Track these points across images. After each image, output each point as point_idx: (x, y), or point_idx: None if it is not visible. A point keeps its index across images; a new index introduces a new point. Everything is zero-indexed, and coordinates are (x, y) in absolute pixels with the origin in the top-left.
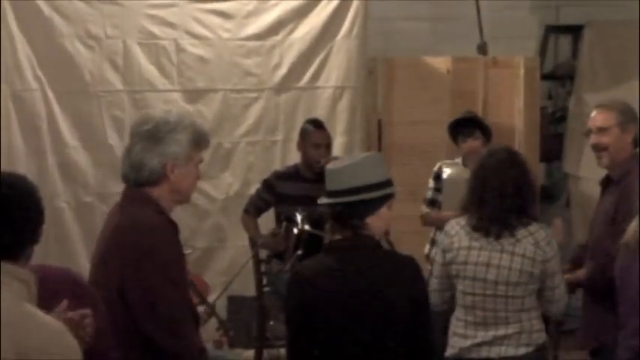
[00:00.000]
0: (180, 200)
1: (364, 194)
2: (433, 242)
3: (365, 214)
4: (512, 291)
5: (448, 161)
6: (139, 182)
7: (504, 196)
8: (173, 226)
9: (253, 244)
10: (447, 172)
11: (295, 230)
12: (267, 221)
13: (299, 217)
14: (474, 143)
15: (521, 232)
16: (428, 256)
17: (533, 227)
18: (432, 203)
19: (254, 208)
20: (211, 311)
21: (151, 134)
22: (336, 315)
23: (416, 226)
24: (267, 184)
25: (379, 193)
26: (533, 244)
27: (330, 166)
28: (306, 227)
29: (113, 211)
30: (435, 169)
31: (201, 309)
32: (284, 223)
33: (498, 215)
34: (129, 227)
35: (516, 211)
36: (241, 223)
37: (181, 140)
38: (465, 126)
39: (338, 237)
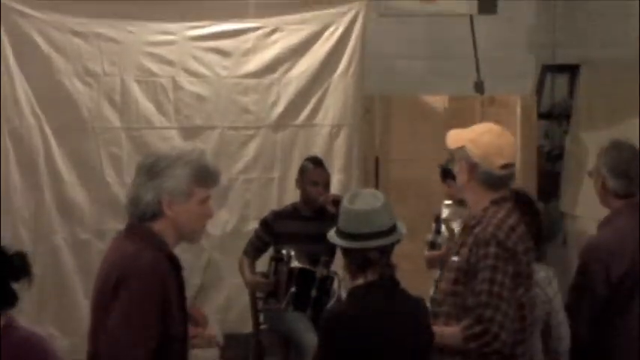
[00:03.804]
0: (184, 237)
1: (398, 233)
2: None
3: (391, 253)
4: None
5: (447, 202)
6: (137, 217)
7: None
8: (172, 262)
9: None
10: (445, 212)
11: (285, 268)
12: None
13: (287, 256)
14: (447, 190)
15: None
16: (435, 299)
17: (534, 267)
18: (433, 246)
19: (252, 250)
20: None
21: (148, 169)
22: (388, 352)
23: (414, 265)
24: (265, 225)
25: (400, 233)
26: (534, 285)
27: (355, 207)
28: (296, 264)
29: (113, 245)
30: (437, 211)
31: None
32: (272, 263)
33: None
34: (118, 260)
35: None
36: (238, 265)
37: (178, 176)
38: (442, 173)
39: (371, 277)
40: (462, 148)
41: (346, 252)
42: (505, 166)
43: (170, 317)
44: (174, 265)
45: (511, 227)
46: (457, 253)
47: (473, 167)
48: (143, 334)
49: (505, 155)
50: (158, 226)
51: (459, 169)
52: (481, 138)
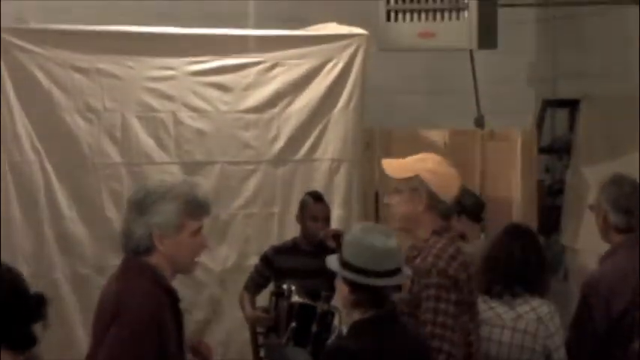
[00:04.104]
0: (179, 269)
1: (406, 273)
2: None
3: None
4: None
5: None
6: (132, 251)
7: (513, 265)
8: (169, 295)
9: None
10: None
11: (285, 303)
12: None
13: (288, 291)
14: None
15: (523, 308)
16: None
17: (536, 302)
18: None
19: (253, 285)
20: None
21: (138, 204)
22: None
23: None
24: (265, 260)
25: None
26: (536, 319)
27: (382, 244)
28: (296, 299)
29: (110, 280)
30: None
31: None
32: (273, 298)
33: (504, 279)
34: (114, 294)
35: (522, 281)
36: (238, 300)
37: (166, 211)
38: None
39: (374, 313)
40: (415, 178)
41: (357, 287)
42: (455, 197)
43: (167, 349)
44: (172, 297)
45: (451, 256)
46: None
47: (431, 196)
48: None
49: (457, 185)
50: (153, 259)
51: (408, 199)
52: (438, 167)
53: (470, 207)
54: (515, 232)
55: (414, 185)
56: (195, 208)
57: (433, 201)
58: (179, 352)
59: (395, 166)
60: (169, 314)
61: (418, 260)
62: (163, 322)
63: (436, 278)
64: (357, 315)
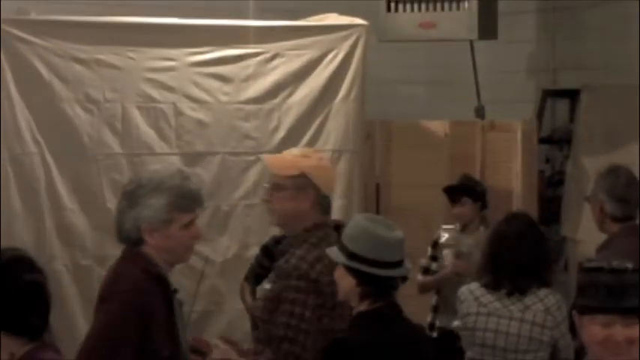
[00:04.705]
0: (173, 261)
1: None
2: (435, 309)
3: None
4: (522, 358)
5: (445, 226)
6: (124, 241)
7: (520, 258)
8: (161, 284)
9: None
10: (443, 237)
11: None
12: None
13: None
14: (459, 210)
15: (530, 299)
16: (432, 325)
17: (543, 293)
18: (426, 271)
19: (253, 276)
20: None
21: (128, 196)
22: None
23: (413, 291)
24: (265, 250)
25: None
26: (544, 310)
27: (392, 235)
28: None
29: (109, 269)
30: (435, 236)
31: None
32: None
33: (511, 274)
34: (105, 282)
35: (530, 275)
36: (239, 291)
37: (154, 205)
38: (455, 192)
39: (376, 304)
40: (301, 176)
41: (365, 278)
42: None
43: (153, 336)
44: (163, 285)
45: (317, 258)
46: (273, 282)
47: (317, 193)
48: (117, 348)
49: (335, 179)
50: (147, 249)
51: (293, 196)
52: (320, 163)
53: (478, 193)
54: (517, 225)
55: (299, 183)
56: (186, 201)
57: (318, 198)
58: (170, 340)
59: (279, 163)
60: (160, 303)
61: (282, 260)
62: (150, 309)
63: (295, 281)
64: (361, 307)
